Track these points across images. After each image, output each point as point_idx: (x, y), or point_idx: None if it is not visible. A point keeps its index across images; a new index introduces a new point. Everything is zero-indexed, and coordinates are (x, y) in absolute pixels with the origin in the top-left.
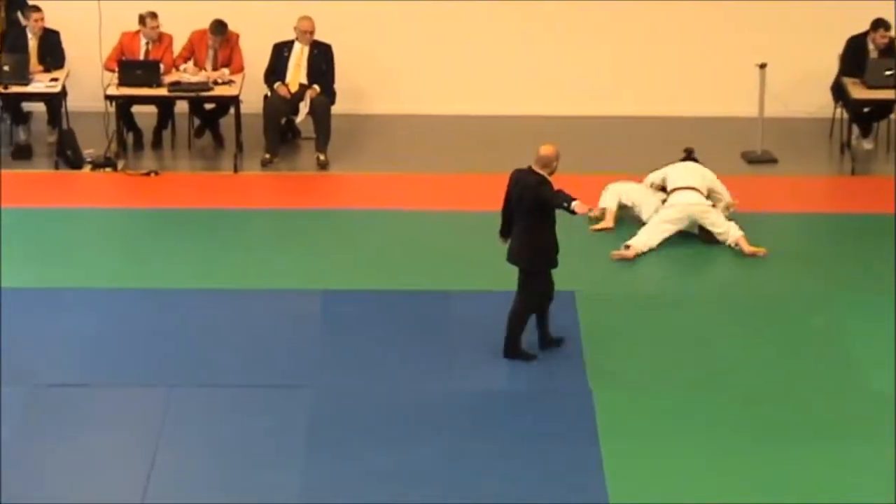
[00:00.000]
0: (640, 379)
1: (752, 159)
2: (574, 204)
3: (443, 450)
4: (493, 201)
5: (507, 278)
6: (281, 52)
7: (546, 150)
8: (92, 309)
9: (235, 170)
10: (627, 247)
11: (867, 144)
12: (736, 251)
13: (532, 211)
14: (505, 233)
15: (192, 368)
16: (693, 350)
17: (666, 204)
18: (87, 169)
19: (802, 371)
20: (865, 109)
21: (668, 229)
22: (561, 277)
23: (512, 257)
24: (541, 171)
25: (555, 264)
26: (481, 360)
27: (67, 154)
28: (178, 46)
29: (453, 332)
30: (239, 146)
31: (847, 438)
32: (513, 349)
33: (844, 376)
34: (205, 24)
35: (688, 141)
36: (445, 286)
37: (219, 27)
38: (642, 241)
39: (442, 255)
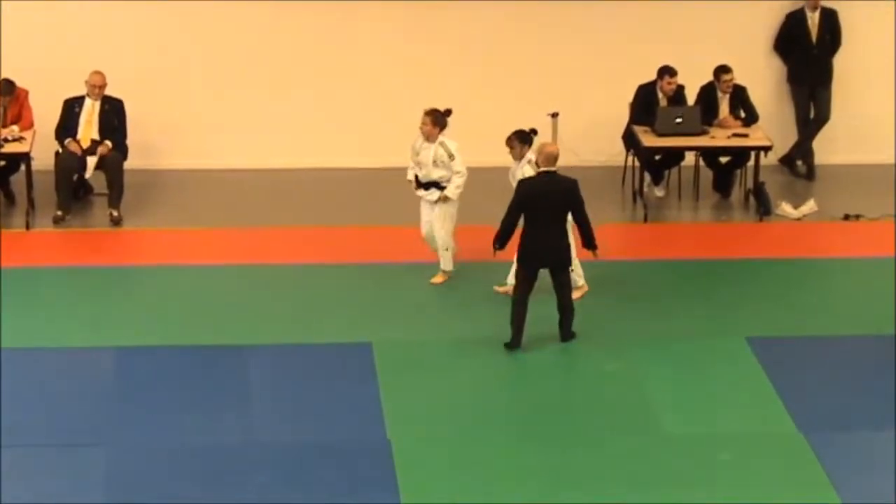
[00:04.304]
0: (439, 428)
1: None
2: None
3: None
4: (285, 254)
5: (302, 331)
6: (72, 108)
7: (551, 148)
8: None
9: (27, 227)
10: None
11: (659, 192)
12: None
13: (565, 212)
14: (504, 244)
15: None
16: (492, 396)
17: None
18: None
19: (600, 415)
20: (657, 157)
21: None
22: (357, 329)
23: (549, 260)
24: (553, 169)
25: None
26: (279, 413)
27: None
28: None
29: (250, 386)
30: (30, 203)
31: (643, 483)
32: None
33: (640, 420)
34: None
35: (482, 192)
36: (241, 341)
37: (6, 86)
38: None
39: (236, 309)
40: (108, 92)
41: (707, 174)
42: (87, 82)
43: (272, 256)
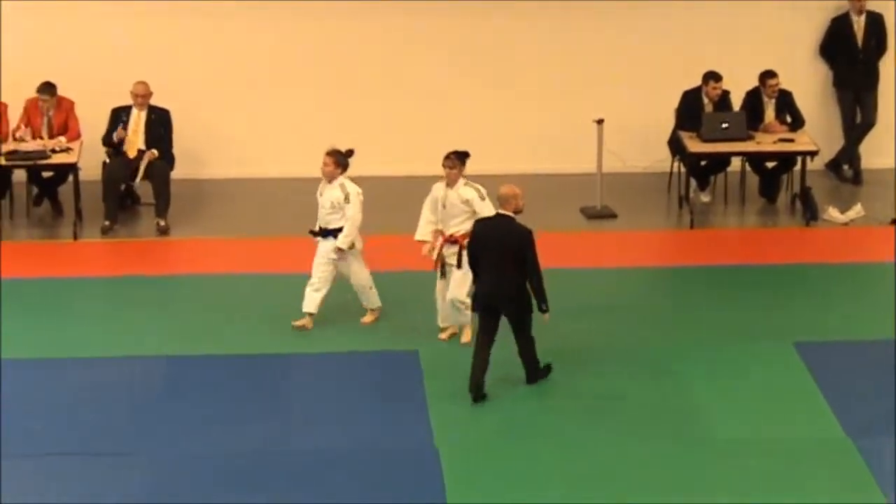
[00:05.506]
0: (486, 435)
1: (592, 215)
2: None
3: None
4: None
5: (347, 340)
6: (119, 117)
7: (506, 189)
8: None
9: (75, 237)
10: None
11: (705, 197)
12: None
13: (517, 255)
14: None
15: (32, 438)
16: (538, 403)
17: None
18: None
19: (648, 420)
20: (702, 163)
21: None
22: (403, 336)
23: (497, 305)
24: (511, 214)
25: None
26: (324, 421)
27: None
28: (14, 116)
29: (298, 394)
30: (78, 214)
31: (691, 487)
32: (539, 372)
33: (688, 425)
34: None
35: (527, 198)
36: (288, 349)
37: (46, 87)
38: None
39: (284, 317)
40: (155, 102)
41: (753, 179)
42: (131, 92)
43: None
